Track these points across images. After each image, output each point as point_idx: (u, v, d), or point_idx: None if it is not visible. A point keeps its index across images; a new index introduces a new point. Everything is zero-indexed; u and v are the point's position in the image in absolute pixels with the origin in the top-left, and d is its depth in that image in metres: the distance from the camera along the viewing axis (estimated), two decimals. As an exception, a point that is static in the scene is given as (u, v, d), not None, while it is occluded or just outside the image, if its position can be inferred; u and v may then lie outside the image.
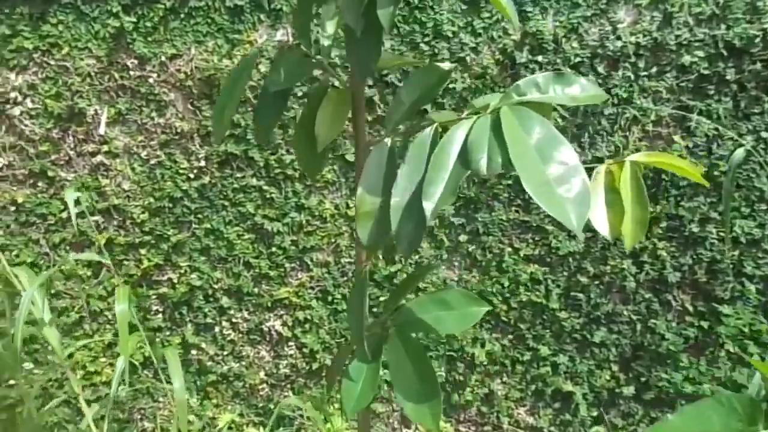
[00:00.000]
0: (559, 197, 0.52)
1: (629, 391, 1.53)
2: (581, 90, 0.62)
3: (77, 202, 1.64)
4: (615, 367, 1.55)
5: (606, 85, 1.40)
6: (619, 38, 1.38)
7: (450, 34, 1.44)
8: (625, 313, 1.52)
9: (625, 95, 1.40)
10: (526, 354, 1.57)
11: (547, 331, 1.56)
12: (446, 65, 0.69)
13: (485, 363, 1.60)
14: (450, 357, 1.61)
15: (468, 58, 1.44)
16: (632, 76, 1.39)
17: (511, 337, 1.58)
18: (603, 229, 0.64)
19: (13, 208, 1.67)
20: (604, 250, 1.50)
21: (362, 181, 0.65)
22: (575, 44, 1.41)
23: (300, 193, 1.58)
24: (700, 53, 1.36)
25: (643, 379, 1.53)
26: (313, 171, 0.77)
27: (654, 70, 1.38)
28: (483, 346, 1.59)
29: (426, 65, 0.70)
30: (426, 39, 1.45)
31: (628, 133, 1.42)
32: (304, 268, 1.62)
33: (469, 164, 0.57)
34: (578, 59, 1.41)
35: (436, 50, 1.45)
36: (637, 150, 1.42)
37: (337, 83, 0.73)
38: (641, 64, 1.38)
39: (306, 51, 0.72)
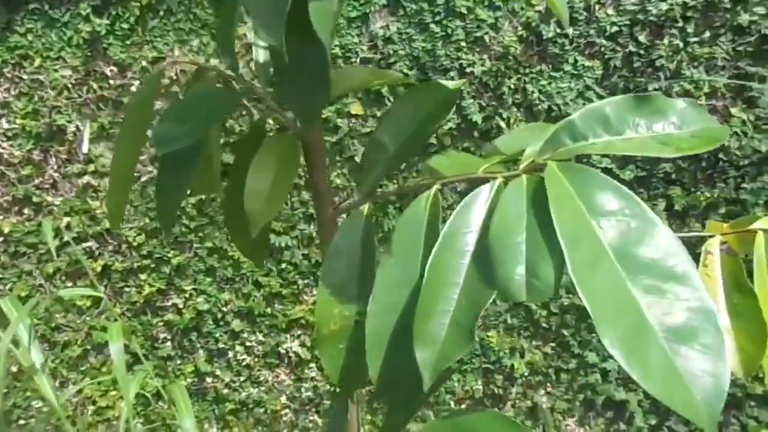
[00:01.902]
0: (668, 364, 0.28)
1: (690, 396, 1.37)
2: (681, 123, 0.34)
3: (67, 227, 1.51)
4: (672, 371, 1.39)
5: (649, 56, 1.21)
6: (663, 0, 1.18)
7: (464, 11, 1.25)
8: (682, 311, 1.35)
9: (673, 66, 1.20)
10: (572, 362, 1.42)
11: (594, 335, 1.40)
12: (451, 83, 0.44)
13: (526, 374, 1.44)
14: (486, 370, 1.46)
15: (487, 37, 1.26)
16: (681, 44, 1.19)
17: (553, 344, 1.42)
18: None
19: (1, 239, 1.54)
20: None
21: (324, 278, 0.41)
22: (611, 11, 1.21)
23: (308, 202, 1.42)
24: (761, 9, 1.16)
25: (704, 382, 1.37)
26: (254, 258, 0.53)
27: (706, 34, 1.18)
28: (522, 356, 1.44)
29: (420, 85, 0.46)
30: (437, 18, 1.26)
31: (678, 110, 1.23)
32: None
33: (493, 280, 0.33)
34: (615, 29, 1.21)
35: (449, 30, 1.26)
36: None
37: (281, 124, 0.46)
38: (690, 29, 1.19)
39: (229, 74, 0.45)
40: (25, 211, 1.52)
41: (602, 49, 1.23)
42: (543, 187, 0.34)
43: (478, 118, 1.29)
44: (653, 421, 1.41)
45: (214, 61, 1.39)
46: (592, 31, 1.22)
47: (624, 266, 0.31)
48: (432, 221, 0.38)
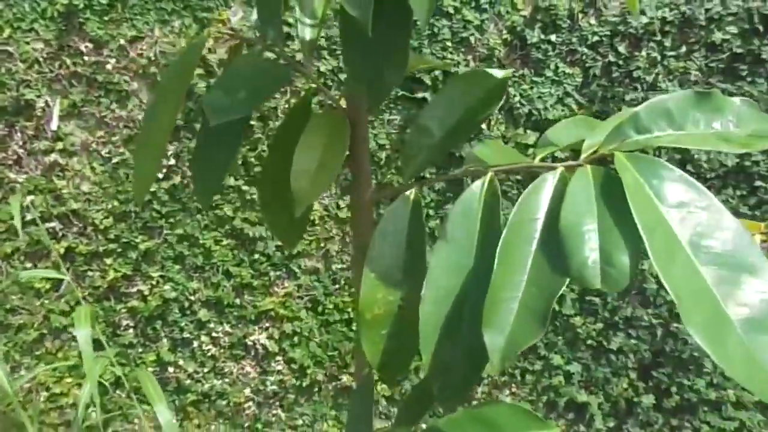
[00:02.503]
0: (748, 354, 0.29)
1: (649, 399, 1.41)
2: (738, 121, 0.35)
3: (31, 205, 1.45)
4: (633, 375, 1.42)
5: (628, 67, 1.25)
6: (643, 13, 1.22)
7: (452, 10, 1.26)
8: (645, 317, 1.39)
9: (650, 79, 1.24)
10: (537, 363, 1.44)
11: (560, 338, 1.43)
12: (499, 72, 0.43)
13: (491, 374, 1.46)
14: (454, 368, 1.48)
15: (472, 38, 1.27)
16: (658, 57, 1.23)
17: (520, 345, 1.45)
18: None
19: (-44, 215, 1.47)
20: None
21: (370, 262, 0.41)
22: (593, 21, 1.24)
23: (284, 192, 1.41)
24: (733, 29, 1.21)
25: (663, 387, 1.41)
26: (289, 239, 0.52)
27: (682, 49, 1.23)
28: (490, 356, 1.45)
29: (467, 72, 0.46)
30: (424, 16, 1.27)
31: (652, 121, 1.27)
32: (290, 276, 1.45)
33: (566, 268, 0.34)
34: (596, 38, 1.24)
35: (436, 29, 1.27)
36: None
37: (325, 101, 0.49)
38: (667, 43, 1.23)
39: (275, 48, 0.45)
40: (-15, 187, 1.45)
41: (583, 57, 1.26)
42: (611, 176, 0.34)
43: (459, 117, 1.30)
44: (612, 424, 1.45)
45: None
46: (574, 39, 1.25)
47: (697, 257, 0.32)
48: (489, 208, 0.38)
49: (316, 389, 1.51)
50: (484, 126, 1.31)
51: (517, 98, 1.28)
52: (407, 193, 0.42)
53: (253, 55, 0.46)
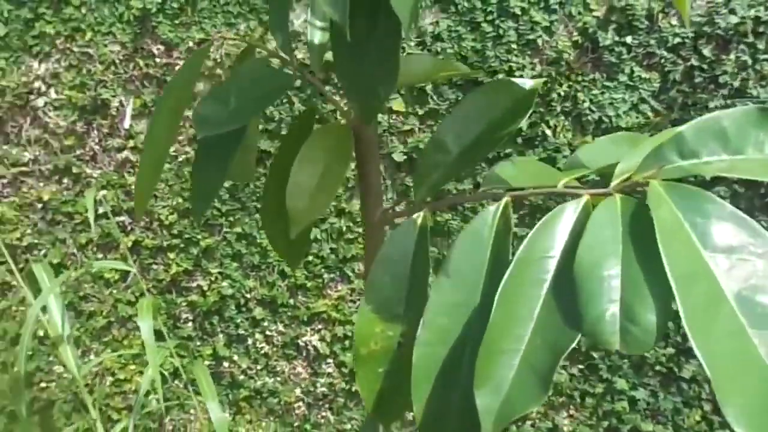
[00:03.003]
0: None
1: (724, 436, 1.29)
2: None
3: (104, 199, 1.52)
4: (707, 407, 1.31)
5: (713, 71, 1.14)
6: (733, 12, 1.11)
7: (518, 11, 1.20)
8: (723, 345, 1.27)
9: (737, 84, 1.13)
10: (599, 386, 1.35)
11: (626, 361, 1.33)
12: (527, 82, 0.37)
13: (550, 395, 1.39)
14: (508, 385, 1.41)
15: (540, 41, 1.21)
16: (749, 60, 1.11)
17: (581, 366, 1.36)
18: None
19: (39, 206, 1.57)
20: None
21: (368, 291, 0.37)
22: (674, 21, 1.14)
23: (341, 196, 1.40)
24: (841, 30, 1.08)
25: (741, 423, 1.29)
26: (291, 258, 0.49)
27: (778, 52, 1.11)
28: (547, 374, 1.38)
29: (492, 82, 0.40)
30: (489, 18, 1.22)
31: (739, 132, 1.16)
32: (344, 279, 1.44)
33: (578, 320, 0.28)
34: (678, 40, 1.14)
35: (501, 31, 1.22)
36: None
37: (332, 112, 0.45)
38: (761, 45, 1.11)
39: (281, 55, 0.41)
40: (65, 180, 1.55)
41: (662, 60, 1.16)
42: (643, 210, 0.29)
43: (523, 123, 1.24)
44: (681, 458, 1.33)
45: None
46: (652, 42, 1.16)
47: (746, 317, 0.26)
48: (500, 239, 0.33)
49: (366, 395, 1.49)
50: (549, 132, 1.24)
51: (587, 104, 1.21)
52: (414, 216, 0.37)
53: (257, 62, 0.44)
